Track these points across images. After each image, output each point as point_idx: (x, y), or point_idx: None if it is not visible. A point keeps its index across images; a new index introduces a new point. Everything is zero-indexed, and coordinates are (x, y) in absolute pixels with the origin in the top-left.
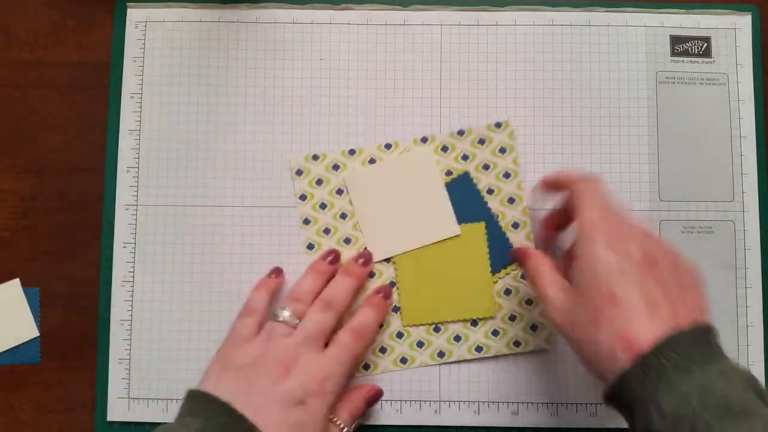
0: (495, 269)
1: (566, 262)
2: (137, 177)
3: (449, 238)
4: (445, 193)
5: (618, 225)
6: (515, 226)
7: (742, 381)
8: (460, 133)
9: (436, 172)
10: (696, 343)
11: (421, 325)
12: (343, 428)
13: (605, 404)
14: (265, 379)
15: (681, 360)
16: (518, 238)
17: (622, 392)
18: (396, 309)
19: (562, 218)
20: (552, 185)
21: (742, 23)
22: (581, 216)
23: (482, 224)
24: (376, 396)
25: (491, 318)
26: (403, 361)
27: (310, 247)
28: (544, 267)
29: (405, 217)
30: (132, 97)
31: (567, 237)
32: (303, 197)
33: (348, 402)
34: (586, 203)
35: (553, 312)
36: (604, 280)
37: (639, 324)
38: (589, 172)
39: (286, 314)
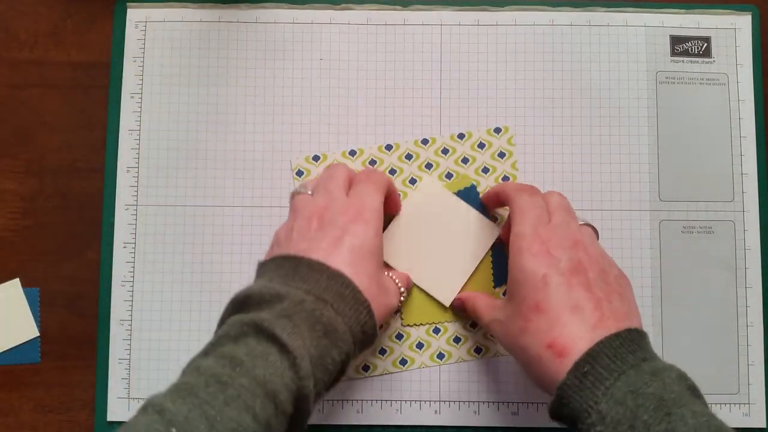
0: (498, 282)
1: None
2: (137, 177)
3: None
4: (467, 206)
5: (547, 236)
6: None
7: (673, 378)
8: (461, 136)
9: (448, 194)
10: (626, 345)
11: (421, 325)
12: (400, 286)
13: (552, 419)
14: (305, 234)
15: (614, 364)
16: None
17: (563, 405)
18: (396, 309)
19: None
20: (494, 202)
21: (742, 23)
22: (513, 230)
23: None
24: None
25: None
26: (403, 362)
27: None
28: (477, 300)
29: (448, 247)
30: (132, 97)
31: None
32: None
33: (399, 274)
34: (518, 217)
35: (494, 331)
36: (530, 290)
37: (564, 329)
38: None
39: (307, 185)
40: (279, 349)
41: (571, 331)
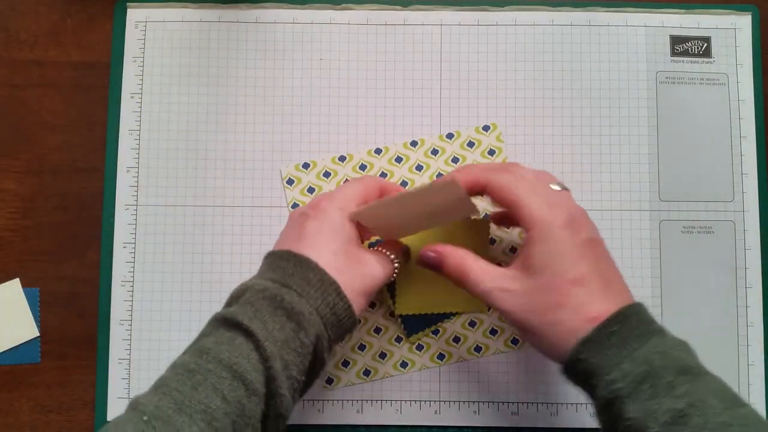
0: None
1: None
2: (137, 177)
3: (452, 231)
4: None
5: (558, 205)
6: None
7: (689, 349)
8: (449, 136)
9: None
10: (646, 315)
11: (415, 314)
12: (393, 258)
13: (564, 375)
14: (286, 232)
15: (640, 328)
16: (511, 238)
17: (582, 360)
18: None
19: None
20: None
21: (742, 23)
22: (525, 206)
23: (488, 221)
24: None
25: (487, 316)
26: (404, 365)
27: None
28: (467, 260)
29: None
30: (132, 97)
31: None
32: (295, 206)
33: (390, 245)
34: (522, 192)
35: (500, 301)
36: (567, 263)
37: (600, 301)
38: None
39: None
40: (243, 333)
41: (607, 304)
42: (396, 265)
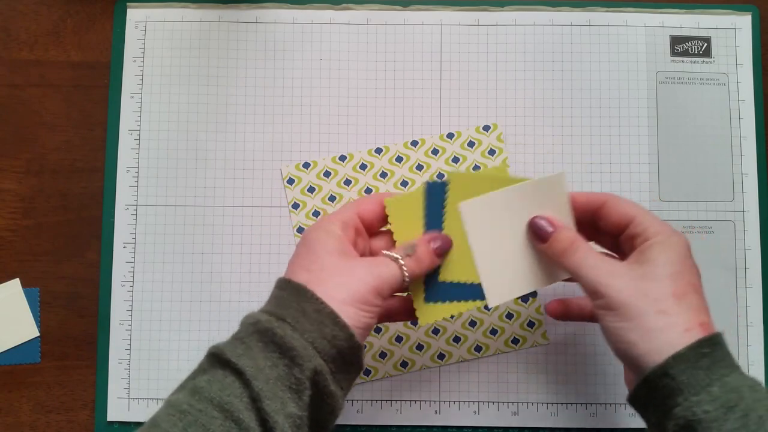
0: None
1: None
2: (137, 177)
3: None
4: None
5: (679, 234)
6: None
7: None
8: (450, 136)
9: (565, 201)
10: (728, 347)
11: (459, 282)
12: (396, 256)
13: (640, 387)
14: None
15: (726, 358)
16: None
17: (670, 375)
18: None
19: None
20: (587, 209)
21: (742, 23)
22: (649, 220)
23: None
24: (443, 244)
25: (487, 315)
26: (404, 365)
27: None
28: (583, 241)
29: (531, 253)
30: (132, 97)
31: None
32: (296, 206)
33: (404, 245)
34: (643, 211)
35: (617, 281)
36: (688, 270)
37: (705, 315)
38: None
39: None
40: (232, 371)
41: (709, 322)
42: (402, 262)
